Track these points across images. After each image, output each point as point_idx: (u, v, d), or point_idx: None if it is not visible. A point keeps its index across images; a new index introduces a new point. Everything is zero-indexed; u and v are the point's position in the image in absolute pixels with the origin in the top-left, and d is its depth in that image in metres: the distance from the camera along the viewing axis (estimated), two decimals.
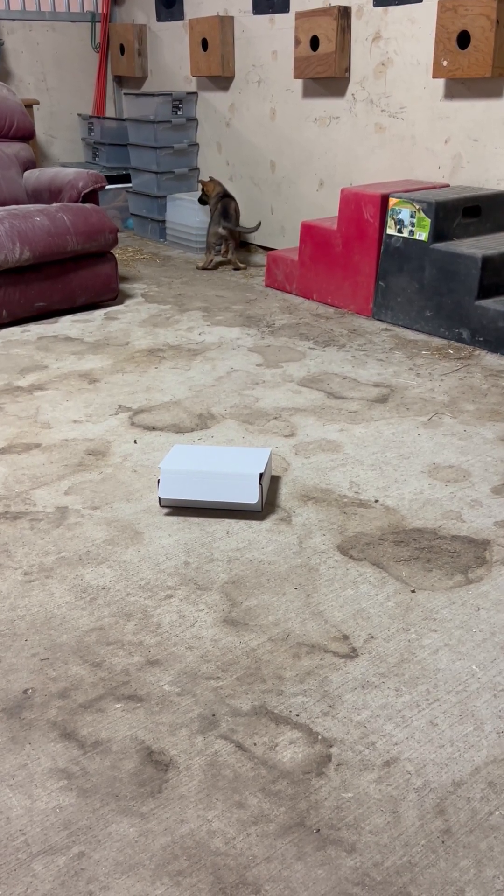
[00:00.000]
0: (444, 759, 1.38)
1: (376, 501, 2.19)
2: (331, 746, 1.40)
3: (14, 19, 5.50)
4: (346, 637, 1.67)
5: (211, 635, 1.68)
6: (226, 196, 4.64)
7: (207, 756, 1.39)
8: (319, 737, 1.42)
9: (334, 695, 1.52)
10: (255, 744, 1.41)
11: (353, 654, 1.62)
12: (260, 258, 4.89)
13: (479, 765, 1.37)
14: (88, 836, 1.25)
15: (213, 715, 1.47)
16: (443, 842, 1.24)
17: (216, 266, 4.74)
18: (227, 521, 2.10)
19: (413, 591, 1.81)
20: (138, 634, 1.68)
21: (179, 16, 5.25)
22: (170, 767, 1.37)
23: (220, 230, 4.56)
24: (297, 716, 1.47)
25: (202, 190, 4.81)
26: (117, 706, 1.50)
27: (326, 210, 4.56)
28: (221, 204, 4.58)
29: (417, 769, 1.36)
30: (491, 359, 3.23)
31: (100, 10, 5.81)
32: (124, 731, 1.44)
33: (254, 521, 2.10)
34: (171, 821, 1.27)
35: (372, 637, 1.67)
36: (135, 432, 2.62)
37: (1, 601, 1.80)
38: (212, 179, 4.79)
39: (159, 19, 5.44)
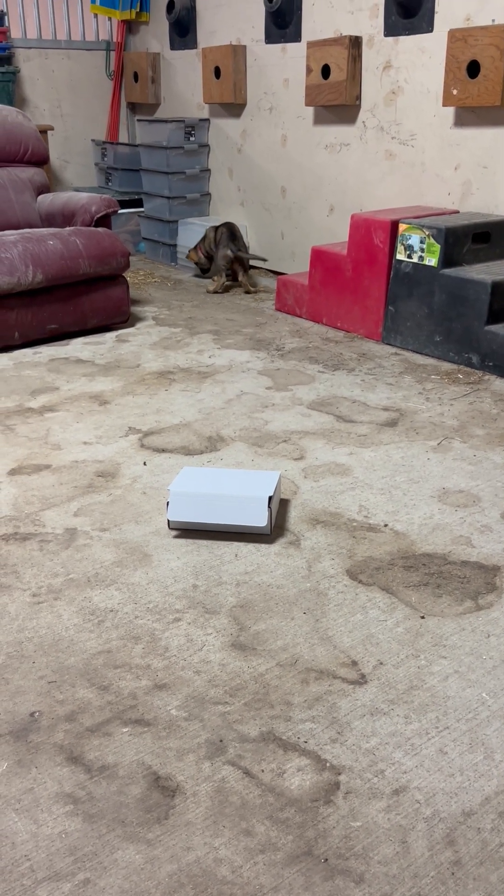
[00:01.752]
0: (454, 788, 1.36)
1: (385, 526, 2.18)
2: (339, 774, 1.39)
3: (30, 47, 5.60)
4: (354, 663, 1.66)
5: (219, 659, 1.67)
6: (225, 222, 4.69)
7: (215, 782, 1.38)
8: (328, 764, 1.41)
9: (343, 721, 1.50)
10: (262, 770, 1.40)
11: (361, 680, 1.61)
12: (269, 282, 4.92)
13: (490, 794, 1.35)
14: (94, 862, 1.24)
15: (221, 740, 1.46)
16: (452, 873, 1.22)
17: (227, 289, 4.78)
18: (235, 544, 2.10)
19: (422, 617, 1.80)
20: (146, 658, 1.68)
21: (193, 44, 5.33)
22: (177, 793, 1.36)
23: (229, 252, 4.59)
24: (306, 742, 1.46)
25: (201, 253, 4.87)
26: (124, 730, 1.49)
27: (336, 235, 4.59)
28: (226, 227, 4.63)
29: (427, 798, 1.34)
30: (500, 384, 3.23)
31: (115, 39, 5.92)
32: (131, 756, 1.43)
33: (262, 545, 2.09)
34: (178, 848, 1.26)
35: (381, 663, 1.66)
36: (144, 454, 2.63)
37: (9, 622, 1.79)
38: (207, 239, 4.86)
39: (173, 48, 5.53)
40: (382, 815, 1.31)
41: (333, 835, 1.28)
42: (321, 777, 1.38)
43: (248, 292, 4.69)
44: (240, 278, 4.70)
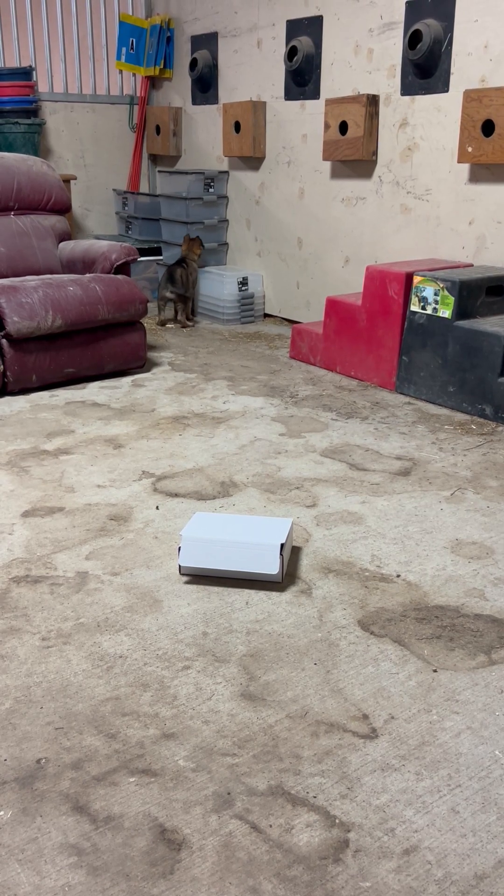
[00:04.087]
0: (466, 849, 1.33)
1: (398, 576, 2.17)
2: (349, 831, 1.36)
3: (57, 101, 5.77)
4: (366, 716, 1.63)
5: (228, 710, 1.65)
6: (168, 266, 5.10)
7: (221, 836, 1.35)
8: (337, 820, 1.38)
9: (353, 777, 1.48)
10: (270, 825, 1.37)
11: (372, 734, 1.58)
12: (284, 330, 4.97)
13: (503, 857, 1.31)
14: None
15: (229, 793, 1.44)
16: None
17: (163, 323, 5.18)
18: (246, 591, 2.09)
19: (435, 671, 1.78)
20: (154, 706, 1.66)
21: (214, 100, 5.49)
22: (182, 847, 1.33)
23: (167, 294, 5.07)
24: (315, 797, 1.43)
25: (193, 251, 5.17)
26: (131, 780, 1.47)
27: (351, 286, 4.65)
28: (167, 270, 5.02)
29: (438, 859, 1.31)
30: None
31: (138, 94, 6.10)
32: (137, 807, 1.41)
33: (274, 592, 2.08)
34: None
35: (392, 717, 1.63)
36: (157, 498, 2.63)
37: (18, 666, 1.78)
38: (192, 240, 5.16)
39: (194, 103, 5.69)
40: (393, 876, 1.28)
41: (342, 895, 1.25)
42: (330, 834, 1.35)
43: (184, 327, 5.14)
44: (178, 316, 5.16)
